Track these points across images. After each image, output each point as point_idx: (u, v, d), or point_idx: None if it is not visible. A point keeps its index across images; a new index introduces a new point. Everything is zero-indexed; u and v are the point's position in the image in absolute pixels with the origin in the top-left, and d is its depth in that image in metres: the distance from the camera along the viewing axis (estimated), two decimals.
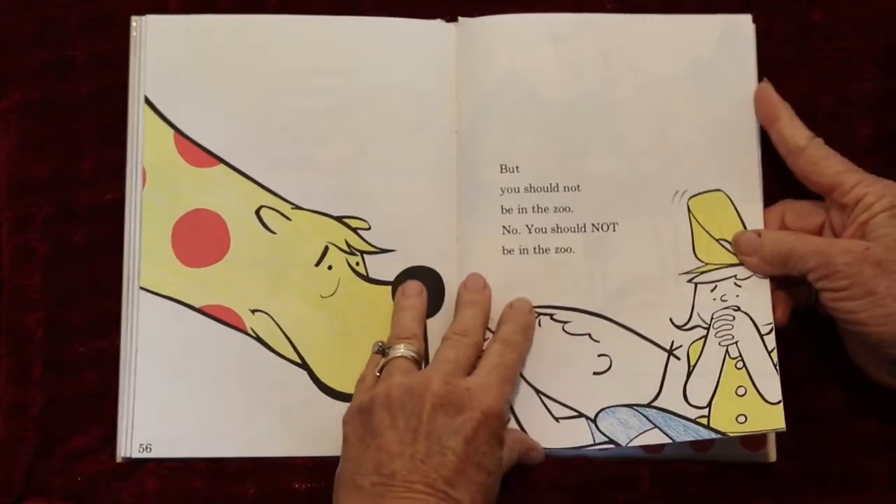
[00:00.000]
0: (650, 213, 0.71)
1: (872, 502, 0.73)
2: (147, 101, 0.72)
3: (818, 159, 0.69)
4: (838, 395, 0.73)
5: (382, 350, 0.69)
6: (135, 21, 0.73)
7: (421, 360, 0.69)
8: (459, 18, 0.73)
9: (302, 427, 0.71)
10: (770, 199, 0.72)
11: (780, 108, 0.70)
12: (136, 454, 0.70)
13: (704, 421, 0.69)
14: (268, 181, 0.72)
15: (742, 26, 0.72)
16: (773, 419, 0.68)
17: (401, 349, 0.68)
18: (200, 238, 0.72)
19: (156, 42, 0.72)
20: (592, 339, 0.71)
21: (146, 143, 0.72)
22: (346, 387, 0.71)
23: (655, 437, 0.69)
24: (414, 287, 0.71)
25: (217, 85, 0.72)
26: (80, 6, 0.75)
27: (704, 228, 0.71)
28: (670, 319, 0.71)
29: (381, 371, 0.68)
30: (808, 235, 0.69)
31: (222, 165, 0.72)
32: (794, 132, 0.70)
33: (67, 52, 0.74)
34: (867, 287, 0.66)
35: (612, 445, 0.69)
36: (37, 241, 0.73)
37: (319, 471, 0.71)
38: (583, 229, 0.72)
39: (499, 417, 0.65)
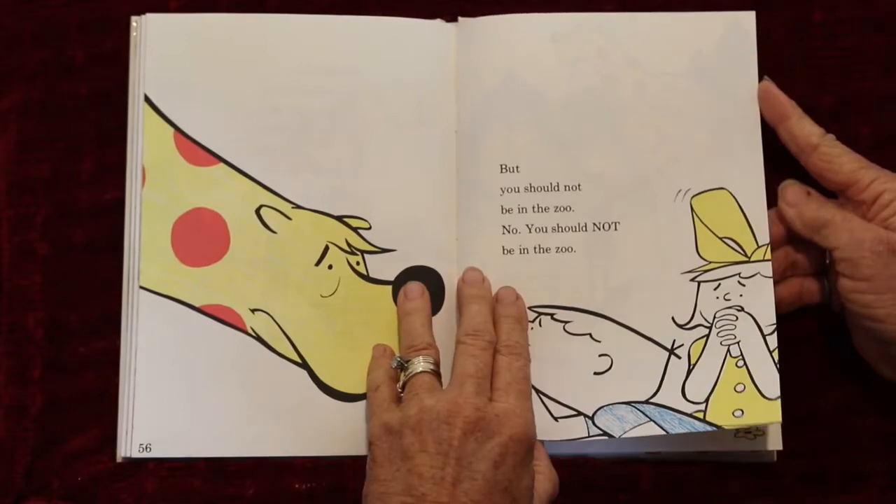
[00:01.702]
0: (652, 212, 0.71)
1: (872, 502, 0.73)
2: (147, 100, 0.72)
3: (832, 157, 0.69)
4: (838, 395, 0.73)
5: (401, 364, 0.69)
6: (135, 21, 0.73)
7: (439, 368, 0.69)
8: (459, 18, 0.73)
9: (302, 427, 0.71)
10: (773, 199, 0.72)
11: (788, 106, 0.70)
12: (135, 454, 0.70)
13: (700, 415, 0.69)
14: (268, 180, 0.72)
15: (744, 23, 0.72)
16: (769, 413, 0.68)
17: (420, 364, 0.68)
18: (200, 237, 0.72)
19: (156, 41, 0.72)
20: (593, 338, 0.71)
21: (146, 142, 0.72)
22: (347, 386, 0.71)
23: (650, 430, 0.69)
24: (416, 289, 0.71)
25: (217, 84, 0.72)
26: (80, 6, 0.75)
27: (708, 227, 0.71)
28: (672, 318, 0.71)
29: (402, 387, 0.68)
30: (850, 214, 0.68)
31: (222, 164, 0.72)
32: (805, 130, 0.70)
33: (67, 52, 0.74)
34: (890, 283, 0.66)
35: (605, 437, 0.69)
36: (37, 241, 0.73)
37: (319, 471, 0.71)
38: (584, 229, 0.72)
39: (525, 442, 0.65)
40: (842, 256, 0.67)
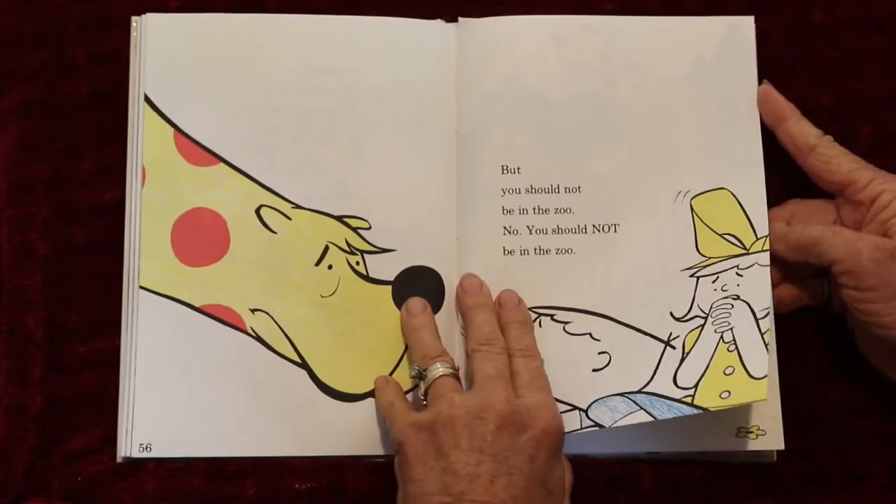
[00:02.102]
0: (652, 214, 0.72)
1: (872, 502, 0.73)
2: (147, 100, 0.72)
3: (829, 157, 0.69)
4: (838, 395, 0.73)
5: (419, 373, 0.69)
6: (135, 21, 0.73)
7: (458, 373, 0.69)
8: (459, 18, 0.73)
9: (302, 427, 0.71)
10: (773, 199, 0.72)
11: (787, 108, 0.71)
12: (136, 454, 0.70)
13: (689, 400, 0.69)
14: (268, 180, 0.72)
15: (743, 28, 0.73)
16: (754, 391, 0.68)
17: (440, 368, 0.68)
18: (200, 237, 0.72)
19: (156, 40, 0.72)
20: (593, 338, 0.71)
21: (146, 142, 0.72)
22: (346, 386, 0.71)
23: (639, 418, 0.69)
24: (417, 305, 0.71)
25: (217, 84, 0.72)
26: (80, 6, 0.75)
27: (708, 225, 0.71)
28: (670, 313, 0.71)
29: (424, 394, 0.68)
30: (839, 227, 0.69)
31: (222, 164, 0.72)
32: (803, 131, 0.70)
33: (67, 52, 0.74)
34: (895, 289, 0.65)
35: (596, 428, 0.69)
36: (37, 241, 0.73)
37: (319, 471, 0.71)
38: (584, 230, 0.72)
39: (556, 434, 0.65)
40: (842, 269, 0.67)
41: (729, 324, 0.70)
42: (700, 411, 0.68)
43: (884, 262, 0.66)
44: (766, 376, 0.68)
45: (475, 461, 0.63)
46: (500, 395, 0.65)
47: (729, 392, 0.68)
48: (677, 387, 0.69)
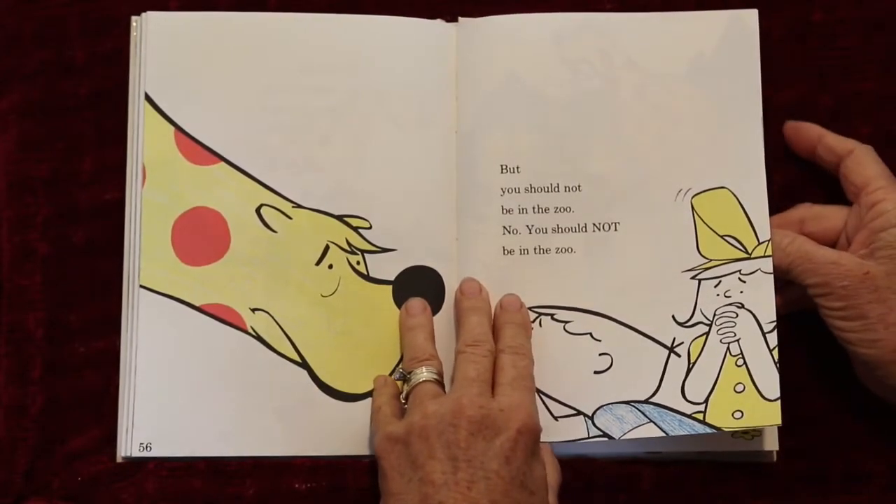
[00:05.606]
0: (652, 213, 0.71)
1: (872, 502, 0.73)
2: (147, 98, 0.72)
3: (863, 160, 0.70)
4: (838, 395, 0.73)
5: (403, 376, 0.69)
6: (135, 20, 0.73)
7: (443, 378, 0.69)
8: (459, 18, 0.73)
9: (302, 427, 0.71)
10: (772, 200, 0.72)
11: (816, 127, 0.72)
12: (136, 453, 0.70)
13: (700, 416, 0.69)
14: (268, 179, 0.72)
15: (747, 20, 0.72)
16: (769, 415, 0.69)
17: (423, 373, 0.68)
18: (201, 236, 0.72)
19: (156, 39, 0.72)
20: (594, 338, 0.71)
21: (146, 141, 0.72)
22: (346, 386, 0.71)
23: (649, 431, 0.69)
24: (417, 305, 0.71)
25: (218, 83, 0.72)
26: (80, 6, 0.75)
27: (709, 225, 0.71)
28: (672, 316, 0.71)
29: (406, 398, 0.68)
30: (813, 248, 0.69)
31: (223, 163, 0.72)
32: (841, 142, 0.71)
33: (67, 52, 0.74)
34: (861, 311, 0.67)
35: (605, 438, 0.70)
36: (37, 241, 0.73)
37: (319, 471, 0.71)
38: (584, 229, 0.72)
39: (532, 433, 0.65)
40: (814, 293, 0.68)
41: (735, 334, 0.70)
42: (714, 431, 0.69)
43: (853, 288, 0.67)
44: (778, 398, 0.68)
45: (451, 469, 0.62)
46: (472, 399, 0.65)
47: (742, 413, 0.69)
48: (686, 400, 0.70)
